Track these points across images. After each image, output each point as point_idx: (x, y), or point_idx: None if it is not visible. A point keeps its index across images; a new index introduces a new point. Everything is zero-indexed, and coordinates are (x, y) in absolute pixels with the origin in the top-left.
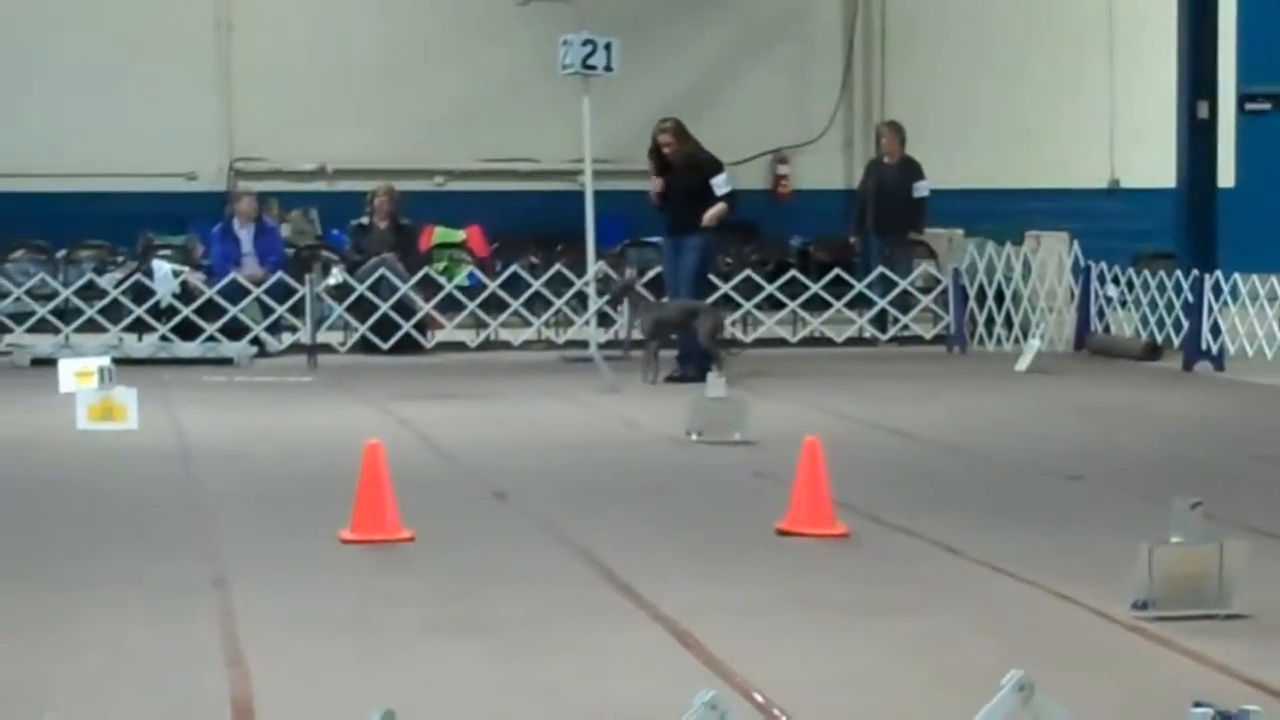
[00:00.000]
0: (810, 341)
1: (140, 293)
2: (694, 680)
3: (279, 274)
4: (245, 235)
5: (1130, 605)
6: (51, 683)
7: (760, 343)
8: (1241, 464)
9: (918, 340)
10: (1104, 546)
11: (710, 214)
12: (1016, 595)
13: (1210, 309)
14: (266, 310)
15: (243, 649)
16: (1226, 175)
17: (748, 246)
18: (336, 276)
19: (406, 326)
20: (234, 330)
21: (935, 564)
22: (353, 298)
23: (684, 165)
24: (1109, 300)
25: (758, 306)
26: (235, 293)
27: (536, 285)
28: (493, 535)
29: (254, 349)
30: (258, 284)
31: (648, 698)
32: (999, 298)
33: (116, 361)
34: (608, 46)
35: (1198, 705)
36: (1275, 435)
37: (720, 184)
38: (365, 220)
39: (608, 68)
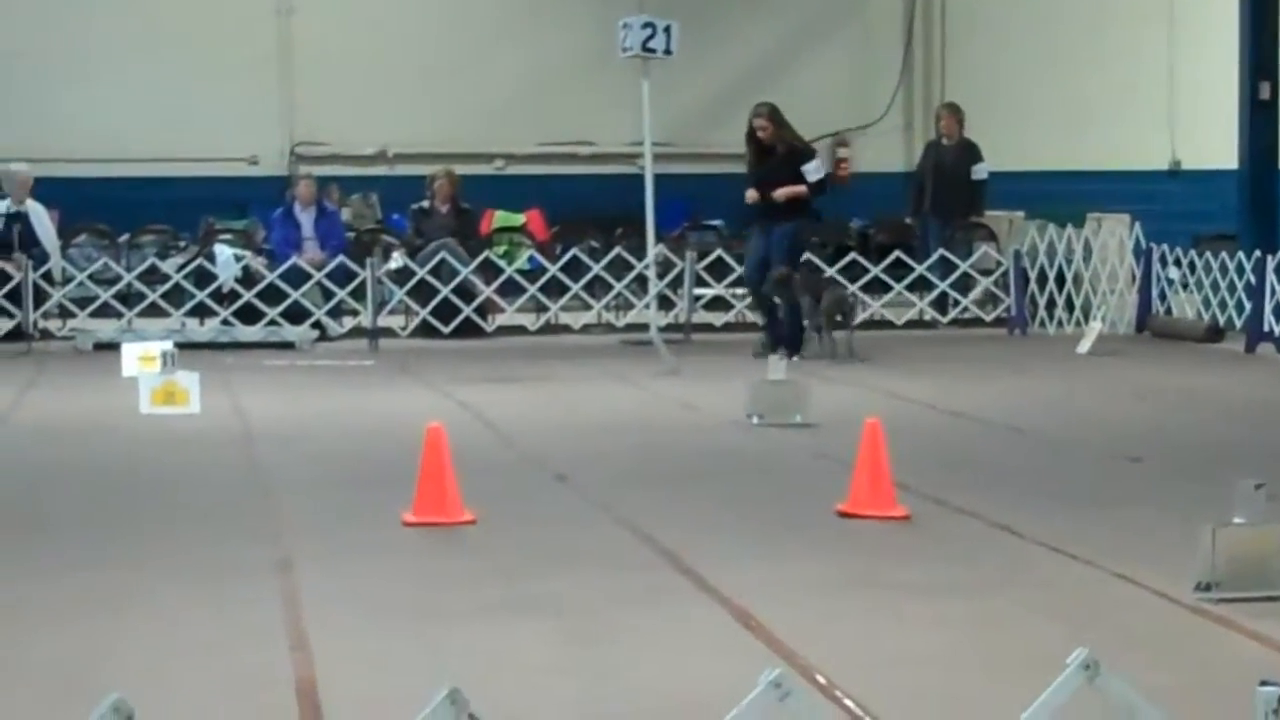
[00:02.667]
0: (871, 324)
1: (202, 277)
2: (756, 661)
3: (340, 258)
4: (306, 219)
5: (1194, 587)
6: (117, 663)
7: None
8: None
9: (978, 323)
10: (1166, 528)
11: (783, 191)
12: (1077, 577)
13: (1273, 290)
14: (327, 294)
15: (306, 631)
16: None
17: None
18: (397, 260)
19: (467, 310)
20: (295, 314)
21: (996, 546)
22: (413, 282)
23: (779, 150)
24: (1170, 282)
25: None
26: (296, 277)
27: (597, 269)
28: (554, 518)
29: (315, 333)
30: (319, 268)
31: (710, 678)
32: (1059, 280)
33: (179, 346)
34: (667, 29)
35: (1265, 684)
36: None
37: (812, 170)
38: (426, 204)
39: (667, 51)
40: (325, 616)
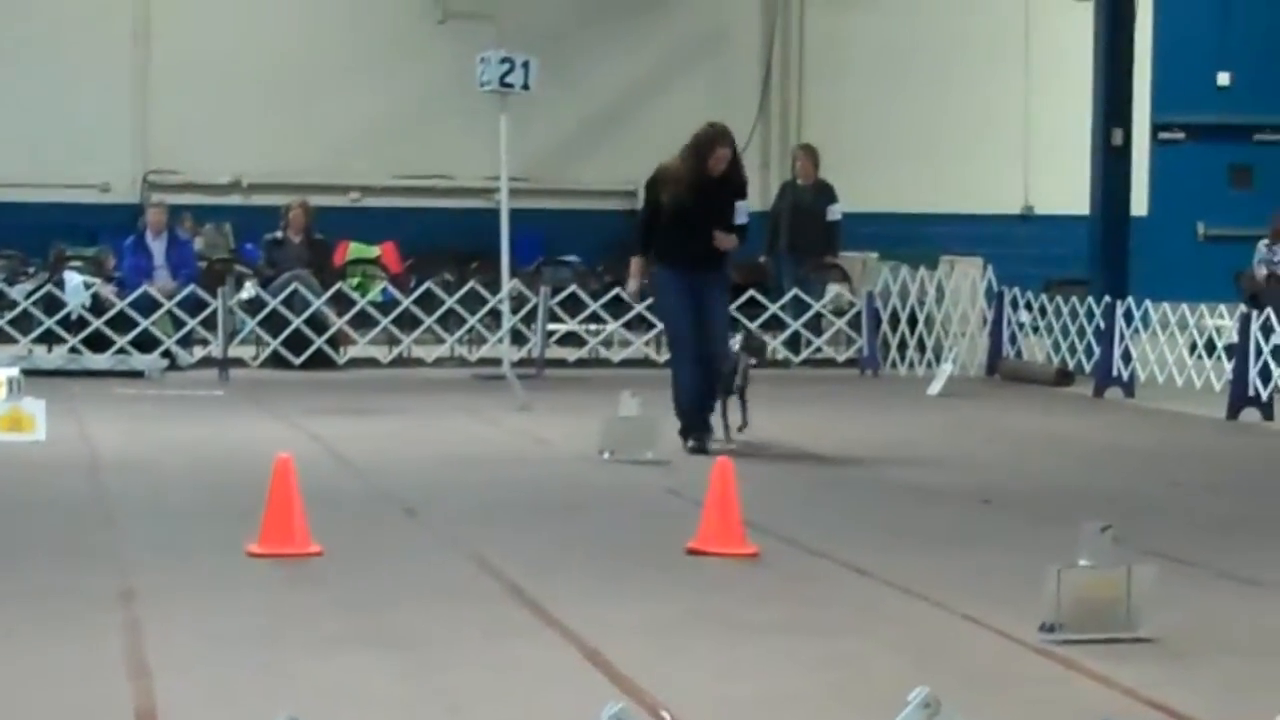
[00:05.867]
0: None
1: (51, 304)
2: (601, 697)
3: (191, 287)
4: (158, 248)
5: (1038, 628)
6: None
7: None
8: (1151, 490)
9: (830, 363)
10: (1013, 570)
11: (726, 239)
12: (925, 617)
13: (1122, 336)
14: (178, 323)
15: (148, 662)
16: (1140, 203)
17: None
18: (249, 290)
19: (319, 342)
20: (145, 343)
21: (845, 585)
22: (265, 312)
23: (733, 182)
24: (1021, 326)
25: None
26: (147, 305)
27: (450, 302)
28: (402, 551)
29: (165, 362)
30: (169, 297)
31: (555, 714)
32: (912, 322)
33: (26, 373)
34: (525, 65)
35: None
36: (1184, 462)
37: (743, 209)
38: (279, 235)
39: (525, 86)
40: (167, 647)
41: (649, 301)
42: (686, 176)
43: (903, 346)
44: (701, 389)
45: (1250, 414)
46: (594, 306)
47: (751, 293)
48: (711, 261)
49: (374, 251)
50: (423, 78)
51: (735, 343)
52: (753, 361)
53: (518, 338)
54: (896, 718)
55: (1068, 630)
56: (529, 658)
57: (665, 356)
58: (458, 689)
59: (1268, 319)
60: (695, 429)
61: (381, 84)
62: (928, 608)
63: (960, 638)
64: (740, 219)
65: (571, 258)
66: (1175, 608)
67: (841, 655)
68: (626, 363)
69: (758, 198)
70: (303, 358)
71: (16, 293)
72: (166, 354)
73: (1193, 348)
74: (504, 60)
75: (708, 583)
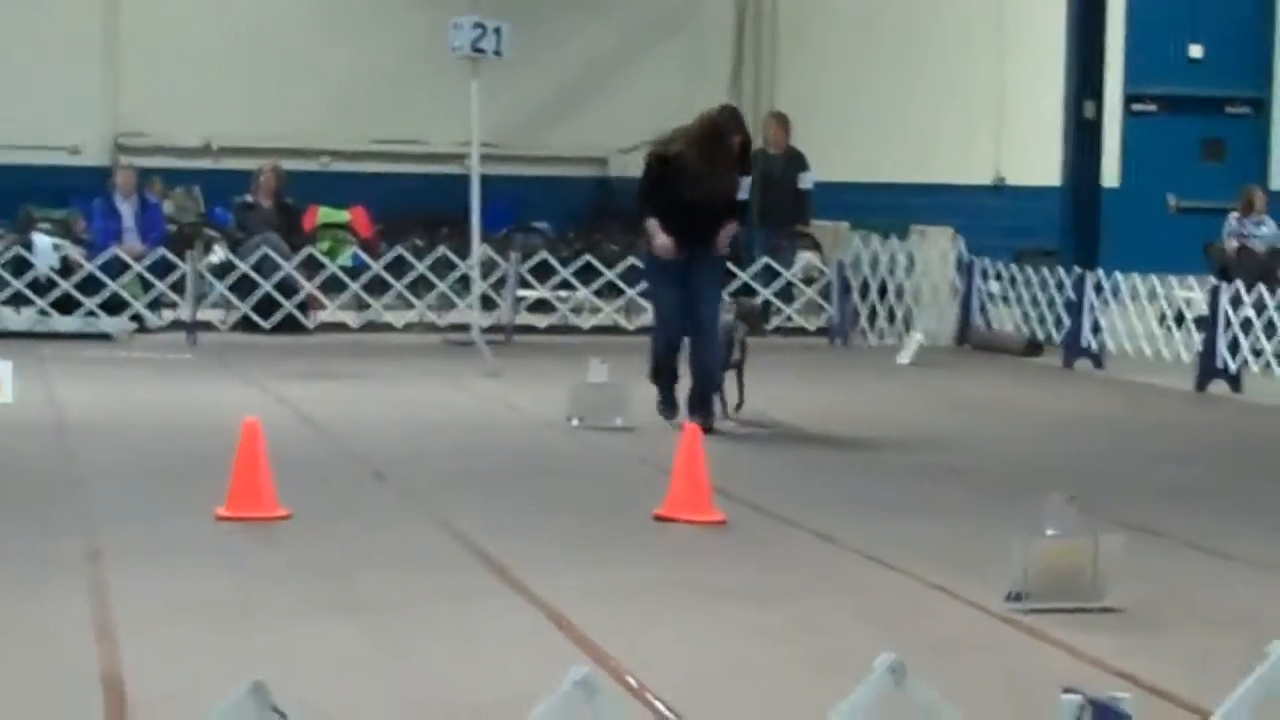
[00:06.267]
0: None
1: (19, 266)
2: (568, 662)
3: (160, 250)
4: (127, 210)
5: (1004, 597)
6: None
7: (646, 330)
8: (1118, 460)
9: (801, 332)
10: (981, 539)
11: (726, 236)
12: (892, 584)
13: (1091, 307)
14: (147, 286)
15: (114, 624)
16: (1111, 175)
17: (633, 235)
18: (219, 254)
19: (289, 306)
20: (114, 306)
21: (812, 552)
22: (234, 276)
23: (738, 167)
24: (991, 296)
25: (642, 294)
26: (116, 268)
27: (420, 268)
28: (370, 515)
29: (134, 325)
30: (139, 259)
31: (521, 679)
32: (882, 291)
33: None
34: (498, 31)
35: (1067, 692)
36: (1151, 432)
37: (746, 185)
38: (249, 199)
39: (497, 52)
40: (134, 609)
41: (619, 270)
42: (697, 169)
43: (873, 316)
44: (696, 371)
45: (1218, 386)
46: (564, 273)
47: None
48: (707, 242)
49: (344, 216)
50: (395, 42)
51: (729, 312)
52: (748, 330)
53: (487, 304)
54: (861, 684)
55: (1034, 599)
56: (496, 623)
57: (636, 324)
58: (425, 653)
59: (1237, 291)
60: (670, 406)
61: (353, 48)
62: (895, 576)
63: (927, 606)
64: (742, 195)
65: (542, 224)
66: (1142, 578)
67: (808, 622)
68: (596, 329)
69: None
70: (272, 322)
71: None
72: (135, 317)
73: (1162, 319)
74: (476, 26)
75: (675, 549)
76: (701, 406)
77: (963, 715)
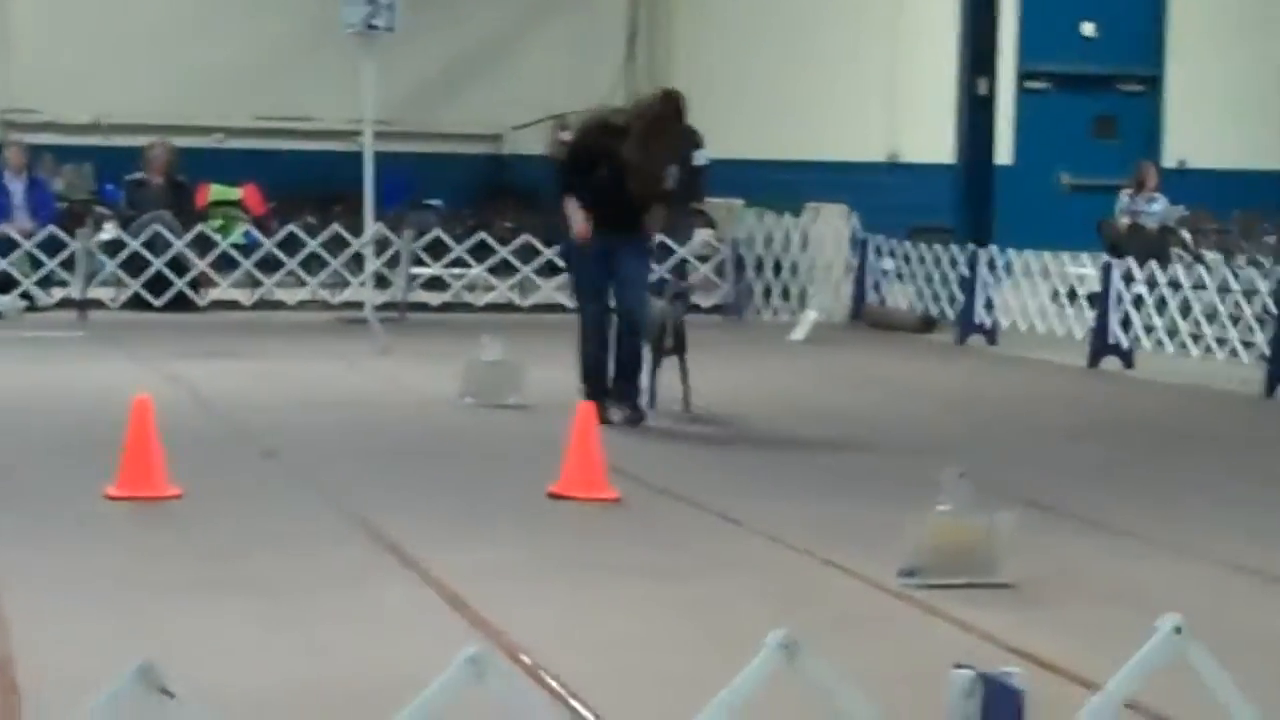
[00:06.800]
0: None
1: None
2: (462, 641)
3: (50, 228)
4: (16, 188)
5: (898, 573)
6: None
7: (539, 308)
8: (1012, 436)
9: (695, 309)
10: (876, 516)
11: (657, 219)
12: (788, 562)
13: (985, 284)
14: (37, 264)
15: (3, 606)
16: (1005, 152)
17: (528, 213)
18: (110, 232)
19: (180, 284)
20: (3, 284)
21: (707, 530)
22: (126, 253)
23: (678, 152)
24: (885, 273)
25: (537, 272)
26: (5, 246)
27: (313, 245)
28: (262, 494)
29: (23, 303)
30: (28, 237)
31: (413, 657)
32: (777, 268)
33: None
34: (390, 6)
35: (960, 667)
36: (1045, 409)
37: (702, 155)
38: (140, 176)
39: (389, 28)
40: (23, 591)
41: (512, 247)
42: (634, 160)
43: (768, 293)
44: (622, 359)
45: (1111, 362)
46: (458, 250)
47: None
48: (633, 224)
49: (236, 194)
50: (288, 18)
51: (663, 293)
52: (685, 310)
53: (381, 282)
54: (754, 660)
55: (928, 575)
56: (389, 602)
57: (529, 301)
58: (318, 633)
59: (1129, 268)
60: (601, 398)
61: (246, 23)
62: (790, 553)
63: (822, 583)
64: (699, 161)
65: (435, 202)
66: (1035, 553)
67: (702, 599)
68: (490, 307)
69: None
70: (163, 300)
71: None
72: (25, 295)
73: (1055, 296)
74: (369, 1)
75: (569, 527)
76: (625, 398)
77: (857, 691)
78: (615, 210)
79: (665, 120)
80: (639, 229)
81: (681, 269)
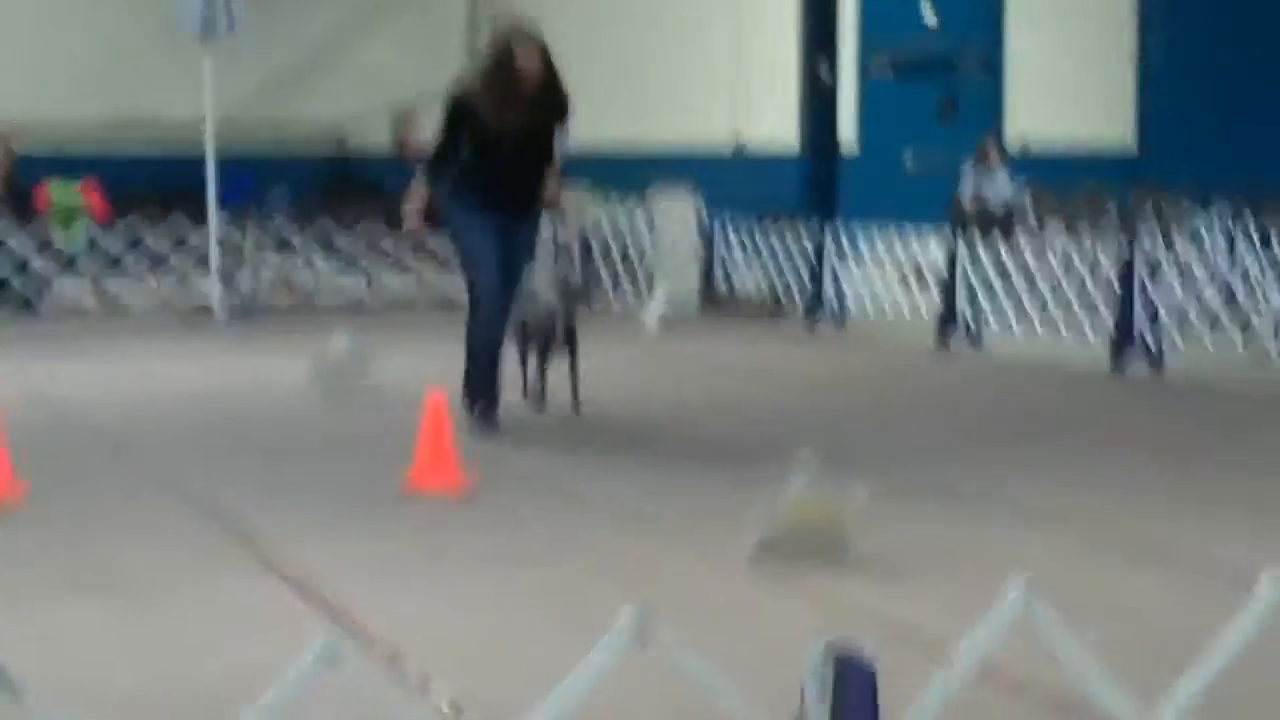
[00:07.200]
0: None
1: None
2: (316, 634)
3: None
4: None
5: (751, 551)
6: None
7: (391, 305)
8: (861, 417)
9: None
10: (730, 498)
11: (554, 189)
12: (641, 546)
13: (832, 270)
14: None
15: None
16: (849, 138)
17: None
18: None
19: (20, 288)
20: None
21: (560, 517)
22: None
23: (556, 99)
24: (733, 260)
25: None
26: None
27: (157, 246)
28: (111, 492)
29: None
30: None
31: (267, 652)
32: (624, 256)
33: None
34: (229, 5)
35: (813, 643)
36: (892, 390)
37: (565, 138)
38: None
39: (230, 28)
40: None
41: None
42: (494, 103)
43: (615, 282)
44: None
45: (959, 343)
46: (304, 249)
47: None
48: (528, 202)
49: (77, 195)
50: (126, 16)
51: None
52: (574, 303)
53: (227, 280)
54: (603, 641)
55: (782, 553)
56: (242, 597)
57: (379, 301)
58: (172, 631)
59: (974, 248)
60: (489, 397)
61: (85, 20)
62: (644, 538)
63: (675, 563)
64: (561, 147)
65: (280, 199)
66: (887, 530)
67: (557, 586)
68: (338, 305)
69: None
70: (3, 303)
71: None
72: None
73: (902, 278)
74: (207, 2)
75: (422, 517)
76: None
77: (712, 669)
78: (504, 185)
79: (510, 49)
80: (533, 205)
81: (566, 257)
